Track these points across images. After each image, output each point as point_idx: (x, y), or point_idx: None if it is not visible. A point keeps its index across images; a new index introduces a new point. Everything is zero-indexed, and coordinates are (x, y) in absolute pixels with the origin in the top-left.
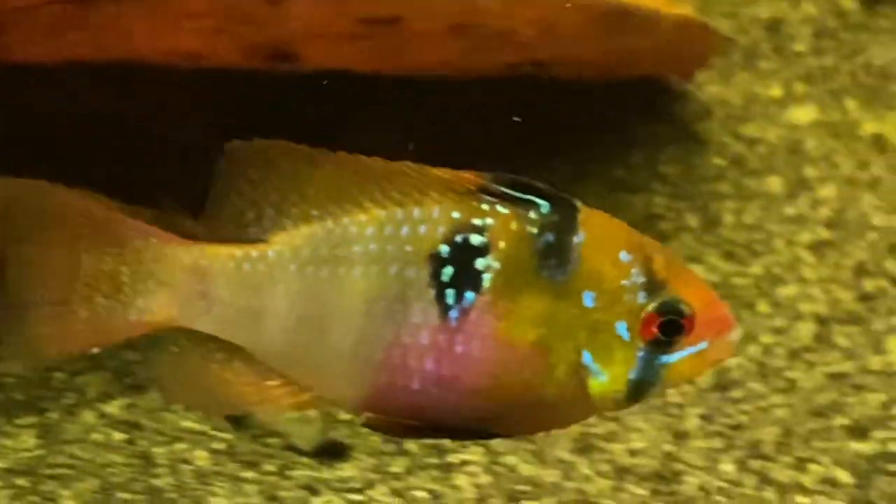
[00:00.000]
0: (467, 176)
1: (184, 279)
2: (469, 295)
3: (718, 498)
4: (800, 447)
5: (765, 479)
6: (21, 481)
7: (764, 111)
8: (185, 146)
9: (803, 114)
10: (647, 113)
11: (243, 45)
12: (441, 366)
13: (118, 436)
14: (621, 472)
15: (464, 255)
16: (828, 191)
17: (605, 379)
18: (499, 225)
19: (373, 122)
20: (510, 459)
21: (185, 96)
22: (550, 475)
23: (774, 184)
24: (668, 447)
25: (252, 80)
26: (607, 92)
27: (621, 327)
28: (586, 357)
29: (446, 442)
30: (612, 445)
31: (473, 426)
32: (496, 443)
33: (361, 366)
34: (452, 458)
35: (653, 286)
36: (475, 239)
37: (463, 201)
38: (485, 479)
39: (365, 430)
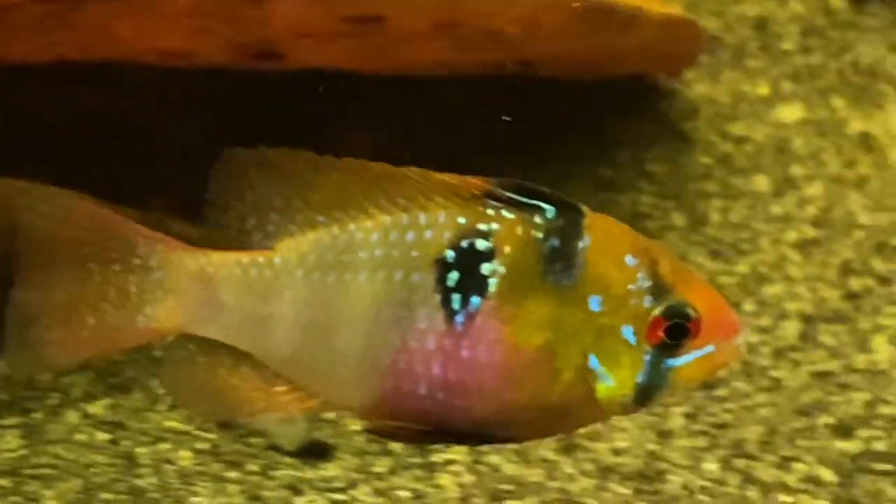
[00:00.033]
0: (473, 181)
1: (190, 286)
2: (475, 300)
3: (701, 497)
4: (784, 446)
5: (748, 478)
6: (3, 481)
7: (751, 110)
8: (176, 146)
9: (790, 112)
10: (634, 111)
11: (228, 45)
12: (447, 371)
13: (102, 436)
14: (605, 472)
15: (469, 260)
16: (814, 189)
17: (611, 383)
18: (504, 230)
19: (360, 121)
20: (494, 459)
21: (177, 95)
22: (534, 474)
23: (761, 182)
24: (651, 446)
25: (243, 80)
26: (595, 91)
27: (628, 331)
28: (593, 361)
29: None
30: (595, 444)
31: (480, 431)
32: None
33: (368, 371)
34: (436, 458)
35: (659, 290)
36: (481, 244)
37: (468, 206)
38: (468, 478)
39: (349, 430)
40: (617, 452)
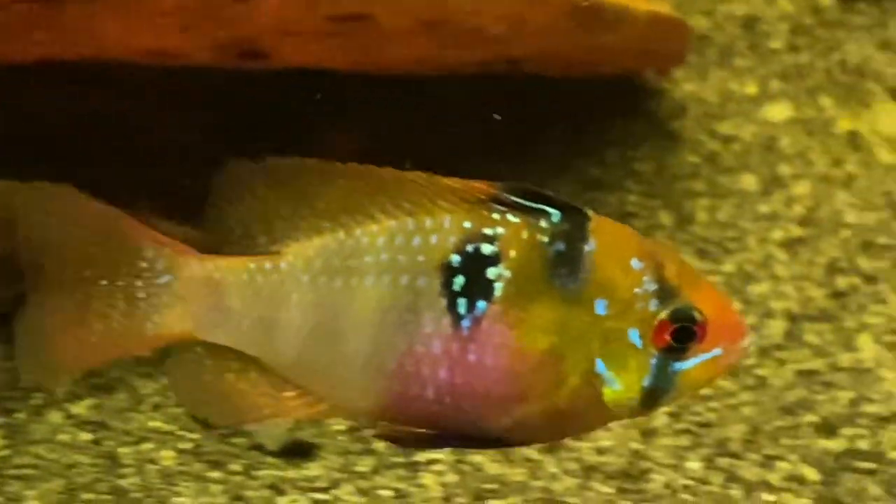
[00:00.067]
0: (478, 185)
1: (198, 292)
2: (481, 304)
3: (684, 496)
4: (767, 445)
5: (731, 477)
6: None
7: (739, 109)
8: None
9: (778, 111)
10: (622, 110)
11: (213, 43)
12: (454, 375)
13: (84, 436)
14: (588, 471)
15: (475, 265)
16: (802, 188)
17: (618, 387)
18: (510, 234)
19: (346, 120)
20: (477, 458)
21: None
22: (517, 474)
23: (748, 181)
24: (635, 445)
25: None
26: (583, 89)
27: (634, 335)
28: (599, 365)
29: None
30: (579, 444)
31: (487, 435)
32: None
33: (375, 375)
34: (419, 458)
35: (665, 293)
36: (486, 248)
37: (474, 211)
38: (451, 477)
39: (332, 429)
40: (600, 451)
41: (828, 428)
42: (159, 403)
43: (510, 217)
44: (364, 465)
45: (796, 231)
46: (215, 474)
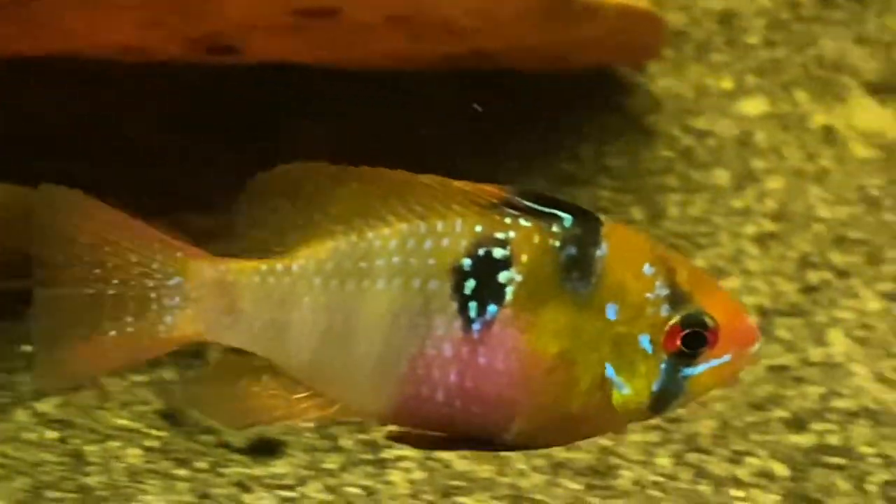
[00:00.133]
0: (490, 189)
1: (210, 294)
2: (492, 308)
3: (653, 492)
4: (737, 440)
5: (700, 473)
6: None
7: (714, 104)
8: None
9: (753, 106)
10: (597, 105)
11: (181, 38)
12: (464, 378)
13: (51, 434)
14: (556, 467)
15: (486, 268)
16: (775, 183)
17: (627, 391)
18: (521, 238)
19: (317, 116)
20: (445, 455)
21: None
22: (485, 470)
23: (721, 176)
24: (604, 441)
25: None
26: (557, 84)
27: (644, 340)
28: (609, 369)
29: (381, 437)
30: None
31: (497, 438)
32: None
33: (386, 378)
34: (387, 455)
35: (676, 299)
36: (498, 252)
37: (485, 214)
38: (419, 474)
39: (300, 427)
40: (569, 448)
41: (798, 423)
42: (126, 401)
43: (522, 221)
44: (331, 462)
45: (769, 226)
46: (182, 472)
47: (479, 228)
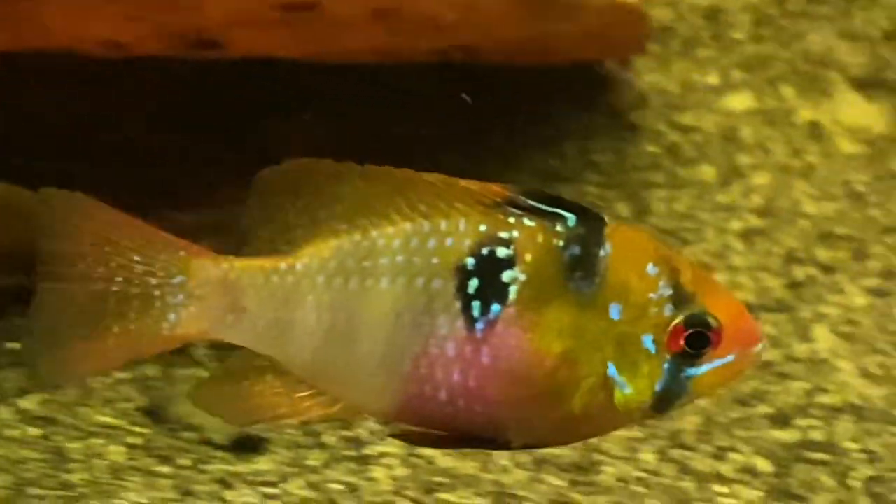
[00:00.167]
0: (494, 188)
1: (214, 292)
2: (495, 307)
3: (636, 488)
4: (721, 436)
5: (684, 469)
6: None
7: (701, 99)
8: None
9: (740, 101)
10: (583, 101)
11: (163, 33)
12: (468, 377)
13: (33, 431)
14: (540, 463)
15: (490, 268)
16: (761, 178)
17: (630, 391)
18: (525, 237)
19: (299, 112)
20: (428, 451)
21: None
22: (468, 467)
23: (707, 172)
24: None
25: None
26: (543, 80)
27: (648, 340)
28: (612, 369)
29: (364, 433)
30: None
31: (500, 437)
32: None
33: (389, 377)
34: (369, 451)
35: (680, 299)
36: (501, 251)
37: (489, 214)
38: (402, 471)
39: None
40: None
41: (782, 419)
42: (109, 398)
43: (526, 221)
44: (314, 458)
45: (754, 221)
46: (164, 469)
47: (482, 228)
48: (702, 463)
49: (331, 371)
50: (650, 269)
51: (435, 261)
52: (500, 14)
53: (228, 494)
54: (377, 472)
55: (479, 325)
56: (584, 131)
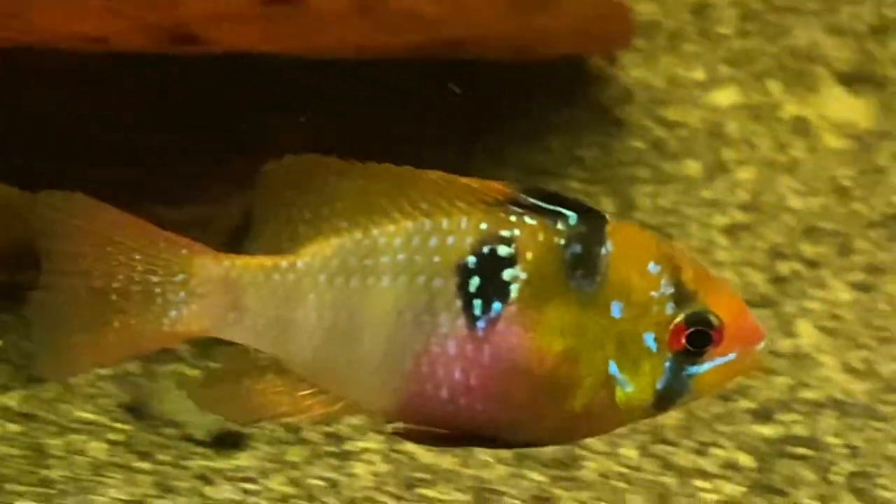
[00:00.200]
0: (495, 186)
1: (215, 290)
2: (496, 305)
3: (617, 483)
4: (703, 431)
5: (666, 464)
6: None
7: (686, 94)
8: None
9: (725, 97)
10: (568, 96)
11: (144, 28)
12: (469, 376)
13: (13, 427)
14: (521, 459)
15: (491, 266)
16: (746, 174)
17: (631, 389)
18: (526, 236)
19: (285, 107)
20: (409, 447)
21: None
22: (449, 462)
23: (693, 167)
24: None
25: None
26: (528, 75)
27: (649, 338)
28: (613, 367)
29: (344, 429)
30: None
31: (501, 435)
32: None
33: (390, 375)
34: (350, 447)
35: (682, 297)
36: (502, 250)
37: (491, 212)
38: (383, 467)
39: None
40: None
41: (764, 414)
42: (91, 394)
43: (527, 219)
44: (295, 454)
45: (739, 216)
46: (144, 465)
47: (484, 226)
48: (684, 458)
49: (332, 369)
50: (651, 267)
51: (436, 259)
52: (485, 9)
53: (208, 490)
54: (358, 468)
55: (481, 324)
56: (569, 126)
